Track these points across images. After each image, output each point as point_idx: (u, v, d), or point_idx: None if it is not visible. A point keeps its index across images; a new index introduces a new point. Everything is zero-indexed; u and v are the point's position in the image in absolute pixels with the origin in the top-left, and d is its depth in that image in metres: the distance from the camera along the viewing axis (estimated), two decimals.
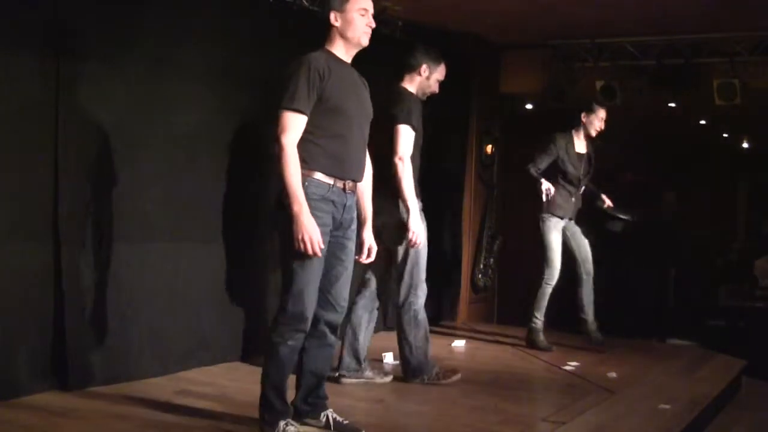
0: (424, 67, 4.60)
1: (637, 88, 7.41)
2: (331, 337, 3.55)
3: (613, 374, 5.08)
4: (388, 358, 5.24)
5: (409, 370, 4.68)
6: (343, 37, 3.42)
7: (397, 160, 4.37)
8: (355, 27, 3.39)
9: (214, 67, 4.82)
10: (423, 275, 4.60)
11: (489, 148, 8.00)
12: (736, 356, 6.10)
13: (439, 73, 4.68)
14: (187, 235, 4.69)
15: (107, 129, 4.25)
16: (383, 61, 4.66)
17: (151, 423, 3.62)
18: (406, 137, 4.40)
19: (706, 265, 10.41)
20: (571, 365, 5.34)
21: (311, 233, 3.19)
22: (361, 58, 3.54)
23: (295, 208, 3.19)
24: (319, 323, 3.48)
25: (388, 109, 4.40)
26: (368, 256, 3.67)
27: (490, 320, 8.08)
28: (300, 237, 3.19)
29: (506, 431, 3.80)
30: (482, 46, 7.64)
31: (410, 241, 4.40)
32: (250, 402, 3.97)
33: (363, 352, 4.64)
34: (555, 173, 5.94)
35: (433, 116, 5.86)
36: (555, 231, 5.98)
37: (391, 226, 4.48)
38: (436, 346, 5.82)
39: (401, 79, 4.64)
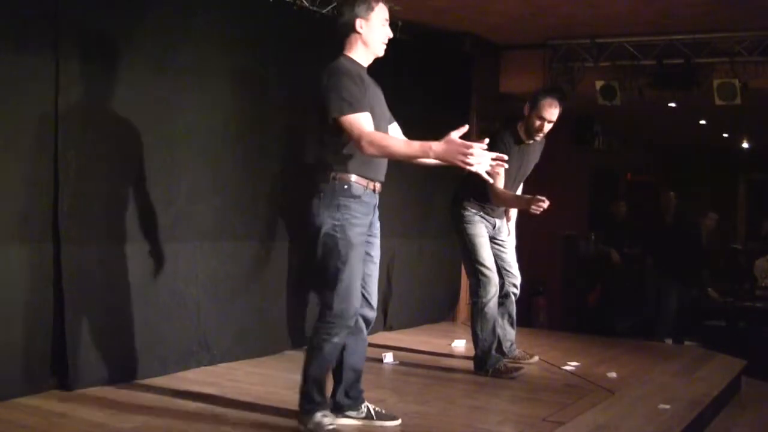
0: (526, 106, 4.83)
1: (637, 88, 7.42)
2: (365, 332, 3.65)
3: (613, 374, 5.08)
4: (388, 358, 5.24)
5: (474, 361, 4.98)
6: (365, 44, 3.45)
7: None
8: (378, 36, 3.43)
9: (215, 67, 4.82)
10: (490, 273, 4.92)
11: None
12: (736, 356, 6.09)
13: (541, 110, 4.75)
14: (187, 235, 4.69)
15: (107, 129, 4.25)
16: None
17: (152, 423, 3.61)
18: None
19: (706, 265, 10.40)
20: (571, 365, 5.33)
21: (462, 148, 3.04)
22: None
23: (435, 148, 3.10)
24: (357, 320, 3.56)
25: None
26: None
27: None
28: (466, 159, 3.05)
29: (506, 431, 3.81)
30: (482, 46, 7.64)
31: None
32: (249, 402, 3.99)
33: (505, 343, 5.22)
34: None
35: (433, 116, 5.85)
36: None
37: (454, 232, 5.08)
38: (435, 346, 5.85)
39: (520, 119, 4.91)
